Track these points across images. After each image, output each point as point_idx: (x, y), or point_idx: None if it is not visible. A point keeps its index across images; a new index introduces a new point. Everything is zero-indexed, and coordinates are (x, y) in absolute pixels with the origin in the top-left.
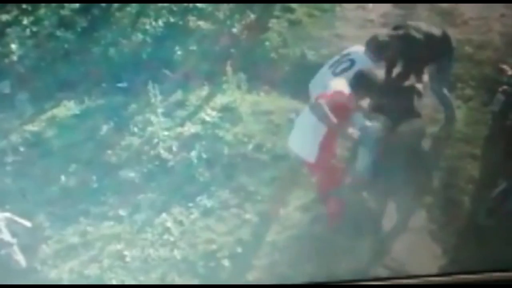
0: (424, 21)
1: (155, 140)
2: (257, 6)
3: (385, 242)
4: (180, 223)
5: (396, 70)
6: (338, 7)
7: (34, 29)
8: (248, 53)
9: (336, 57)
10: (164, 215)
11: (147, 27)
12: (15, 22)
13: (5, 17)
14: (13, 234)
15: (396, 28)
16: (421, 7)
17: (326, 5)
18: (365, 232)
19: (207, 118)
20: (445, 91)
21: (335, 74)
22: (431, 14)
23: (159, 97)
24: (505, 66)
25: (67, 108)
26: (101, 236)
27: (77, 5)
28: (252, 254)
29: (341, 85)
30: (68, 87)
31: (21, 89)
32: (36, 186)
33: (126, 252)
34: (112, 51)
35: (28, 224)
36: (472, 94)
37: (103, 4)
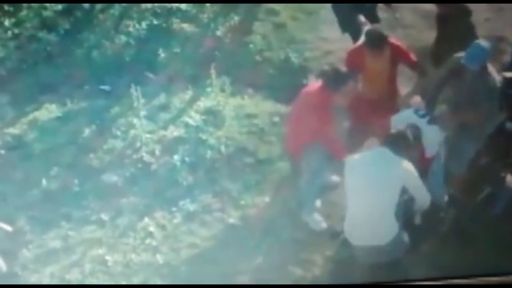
0: (408, 24)
1: (138, 144)
2: (241, 9)
3: None
4: (163, 227)
5: None
6: (322, 10)
7: (16, 31)
8: (232, 56)
9: None
10: (146, 219)
11: (130, 29)
12: None
13: None
14: None
15: None
16: (406, 10)
17: (311, 8)
18: None
19: (191, 122)
20: None
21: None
22: (415, 17)
23: (142, 100)
24: None
25: (49, 111)
26: (83, 241)
27: (59, 7)
28: (235, 259)
29: None
30: (50, 90)
31: (2, 92)
32: (17, 190)
33: (108, 257)
34: (95, 53)
35: (8, 228)
36: None
37: (86, 6)
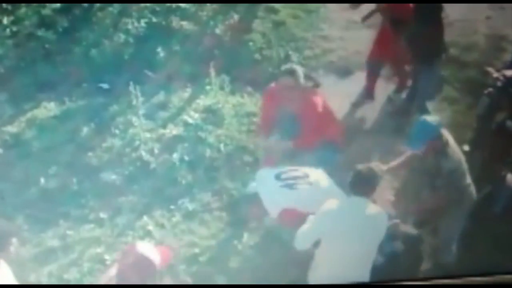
0: None
1: (137, 142)
2: (241, 7)
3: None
4: (162, 226)
5: None
6: (322, 8)
7: (14, 28)
8: (232, 54)
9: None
10: (145, 218)
11: (129, 27)
12: None
13: None
14: None
15: None
16: None
17: (311, 6)
18: None
19: (190, 120)
20: None
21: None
22: None
23: (141, 99)
24: (490, 69)
25: (47, 109)
26: (81, 240)
27: (58, 5)
28: (234, 258)
29: None
30: (48, 88)
31: (0, 90)
32: (15, 189)
33: (106, 256)
34: (93, 51)
35: None
36: (457, 97)
37: (85, 4)
